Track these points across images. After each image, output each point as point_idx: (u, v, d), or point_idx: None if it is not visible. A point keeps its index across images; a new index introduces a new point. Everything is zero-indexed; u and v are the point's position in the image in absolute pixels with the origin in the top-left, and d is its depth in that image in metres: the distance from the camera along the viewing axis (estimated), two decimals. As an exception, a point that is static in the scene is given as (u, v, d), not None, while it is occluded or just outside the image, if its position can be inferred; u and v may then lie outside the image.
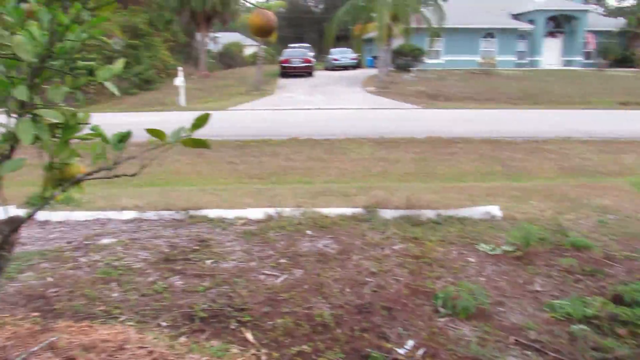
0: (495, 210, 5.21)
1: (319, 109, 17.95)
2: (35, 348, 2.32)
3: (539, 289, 3.44)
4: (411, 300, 3.22)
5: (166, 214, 5.05)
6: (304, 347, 2.68)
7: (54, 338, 2.44)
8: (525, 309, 3.15)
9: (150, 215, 5.04)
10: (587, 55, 35.37)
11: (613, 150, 10.74)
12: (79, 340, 2.47)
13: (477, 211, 5.17)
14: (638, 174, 8.28)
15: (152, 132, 1.49)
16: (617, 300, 3.13)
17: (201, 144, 1.56)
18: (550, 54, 35.08)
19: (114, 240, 4.31)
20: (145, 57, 23.50)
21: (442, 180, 8.35)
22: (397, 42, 27.26)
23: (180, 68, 20.00)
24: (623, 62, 34.30)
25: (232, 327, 2.90)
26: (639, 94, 20.93)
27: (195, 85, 23.19)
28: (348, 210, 5.15)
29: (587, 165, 9.61)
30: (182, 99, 19.03)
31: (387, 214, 5.05)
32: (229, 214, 5.06)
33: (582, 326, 2.87)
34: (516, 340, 2.79)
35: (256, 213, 5.06)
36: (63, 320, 2.82)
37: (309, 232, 4.53)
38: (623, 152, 10.62)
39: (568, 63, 34.69)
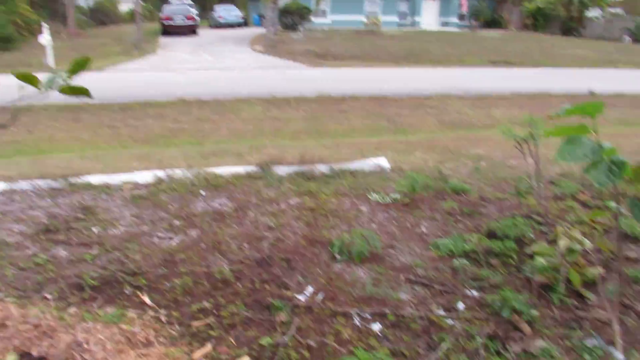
0: (383, 162, 5.47)
1: (206, 69, 17.30)
2: None
3: (425, 231, 3.71)
4: (309, 250, 3.31)
5: (42, 183, 4.62)
6: (205, 303, 2.65)
7: None
8: (414, 250, 3.39)
9: (23, 185, 4.57)
10: (461, 17, 37.75)
11: (485, 105, 11.71)
12: (-52, 321, 2.22)
13: (367, 164, 5.39)
14: (506, 124, 9.13)
15: (21, 77, 1.32)
16: (491, 235, 3.49)
17: (81, 91, 1.43)
18: (429, 16, 36.90)
19: (-20, 214, 3.87)
20: (0, 11, 20.73)
21: (333, 136, 8.55)
22: (284, 1, 26.90)
23: (45, 25, 17.96)
24: (492, 24, 37.26)
25: (127, 292, 2.77)
26: (506, 54, 22.86)
27: (65, 44, 21.06)
28: (242, 169, 5.09)
29: (464, 119, 10.40)
30: (50, 59, 17.20)
31: (281, 170, 5.07)
32: (115, 179, 4.76)
33: (462, 260, 3.17)
34: (406, 278, 3.00)
35: (145, 176, 4.82)
36: None
37: (202, 192, 4.42)
38: (494, 106, 11.62)
39: (445, 24, 36.79)
